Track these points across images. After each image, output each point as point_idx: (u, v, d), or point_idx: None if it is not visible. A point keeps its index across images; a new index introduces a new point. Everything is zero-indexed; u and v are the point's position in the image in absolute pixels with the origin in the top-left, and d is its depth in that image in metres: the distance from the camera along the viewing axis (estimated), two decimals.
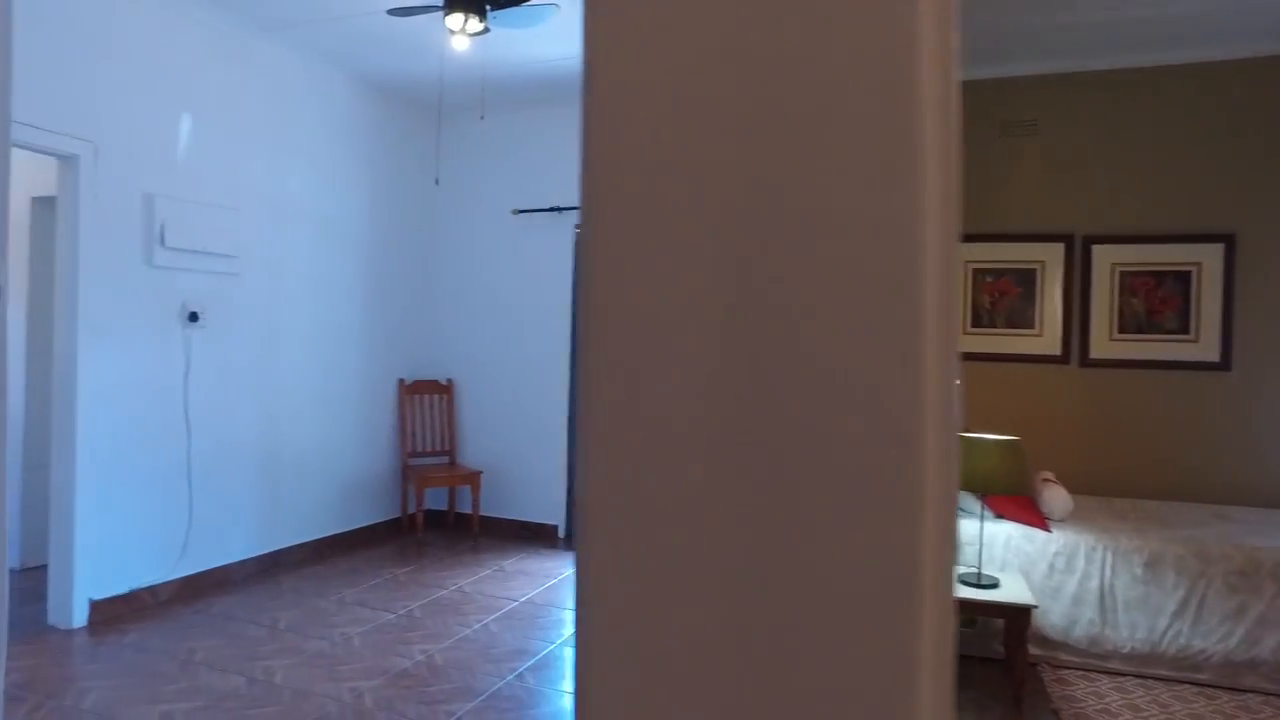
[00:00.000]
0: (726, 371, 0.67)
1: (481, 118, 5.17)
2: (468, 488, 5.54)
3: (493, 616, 3.94)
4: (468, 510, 5.66)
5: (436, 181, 5.16)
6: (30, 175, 4.38)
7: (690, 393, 0.68)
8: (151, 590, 3.96)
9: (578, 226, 5.52)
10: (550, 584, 4.53)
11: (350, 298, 5.22)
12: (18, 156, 4.56)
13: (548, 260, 5.59)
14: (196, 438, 4.15)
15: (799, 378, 0.65)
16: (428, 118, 5.81)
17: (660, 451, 0.69)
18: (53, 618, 3.71)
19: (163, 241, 3.92)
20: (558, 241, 5.56)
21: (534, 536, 5.54)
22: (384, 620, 3.84)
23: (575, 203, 5.42)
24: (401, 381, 5.65)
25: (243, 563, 4.45)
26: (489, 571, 4.75)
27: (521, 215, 5.63)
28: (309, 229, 4.87)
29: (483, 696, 3.06)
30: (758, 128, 0.66)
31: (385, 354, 5.54)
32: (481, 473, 5.48)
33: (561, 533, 5.54)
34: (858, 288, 0.63)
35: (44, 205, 4.51)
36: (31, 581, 4.12)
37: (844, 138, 0.64)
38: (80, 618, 3.68)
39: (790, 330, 0.65)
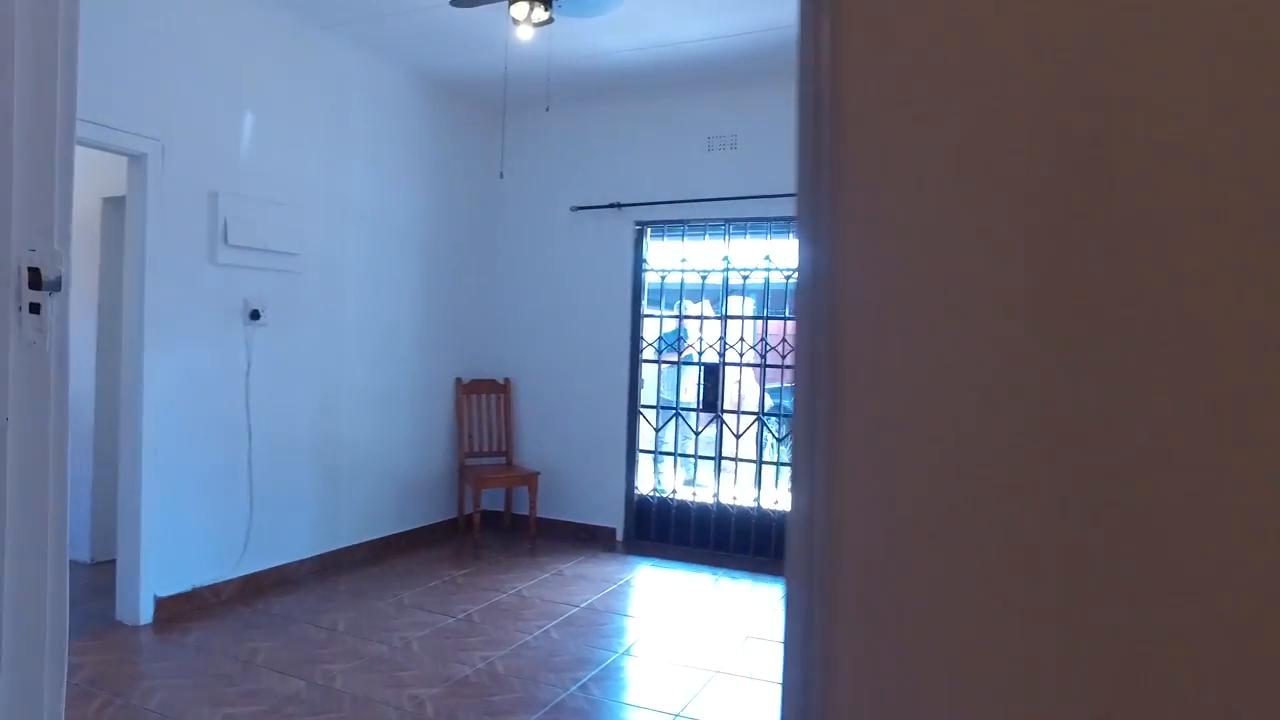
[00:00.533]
0: (1014, 376, 0.53)
1: (546, 109, 5.08)
2: (524, 489, 5.47)
3: (553, 623, 3.85)
4: (524, 512, 5.59)
5: (501, 175, 5.10)
6: (101, 176, 4.42)
7: (969, 400, 0.54)
8: (214, 588, 3.96)
9: (639, 223, 5.42)
10: (610, 589, 4.42)
11: (408, 296, 5.19)
12: (89, 157, 4.62)
13: (608, 258, 5.49)
14: (257, 436, 4.15)
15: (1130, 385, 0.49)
16: (487, 113, 5.76)
17: (935, 467, 0.55)
18: (120, 613, 3.72)
19: (226, 239, 3.92)
20: (618, 239, 5.46)
21: (591, 539, 5.45)
22: (443, 625, 3.78)
23: (637, 198, 5.32)
24: (459, 381, 5.61)
25: (301, 562, 4.44)
26: (547, 575, 4.66)
27: (581, 212, 5.54)
28: (368, 227, 4.84)
29: (546, 708, 2.96)
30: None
31: (442, 353, 5.50)
32: (539, 474, 5.41)
33: (620, 535, 5.44)
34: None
35: (114, 206, 4.55)
36: (103, 576, 4.15)
37: None
38: (146, 615, 3.68)
39: (1119, 330, 0.50)
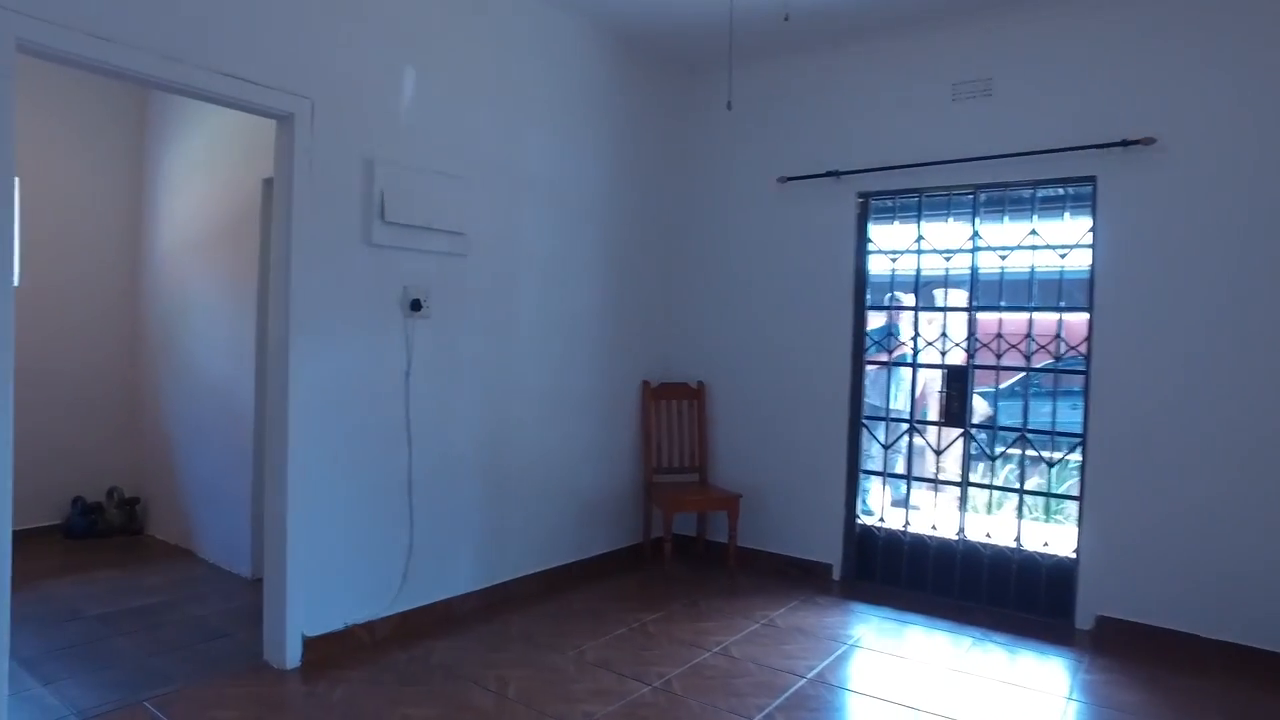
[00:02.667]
0: None
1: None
2: (723, 514, 4.60)
3: (776, 703, 2.94)
4: (722, 539, 4.73)
5: (729, 106, 4.24)
6: (260, 155, 3.99)
7: None
8: (368, 627, 3.36)
9: (863, 194, 4.41)
10: (838, 652, 3.46)
11: (589, 284, 4.45)
12: (245, 130, 4.21)
13: (823, 237, 4.52)
14: (418, 449, 3.52)
15: None
16: (676, 72, 4.95)
17: None
18: (268, 652, 3.19)
19: (383, 215, 3.30)
20: (836, 214, 4.47)
21: (803, 577, 4.50)
22: (636, 695, 2.96)
23: (860, 164, 4.33)
24: (646, 384, 4.83)
25: (466, 597, 3.78)
26: (756, 625, 3.76)
27: (791, 183, 4.60)
28: (543, 203, 4.14)
29: None
30: None
31: (627, 351, 4.73)
32: (741, 496, 4.51)
33: (837, 574, 4.45)
34: None
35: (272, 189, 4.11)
36: (259, 596, 3.69)
37: None
38: (294, 657, 3.12)
39: None
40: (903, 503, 4.44)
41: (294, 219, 3.07)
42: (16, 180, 5.06)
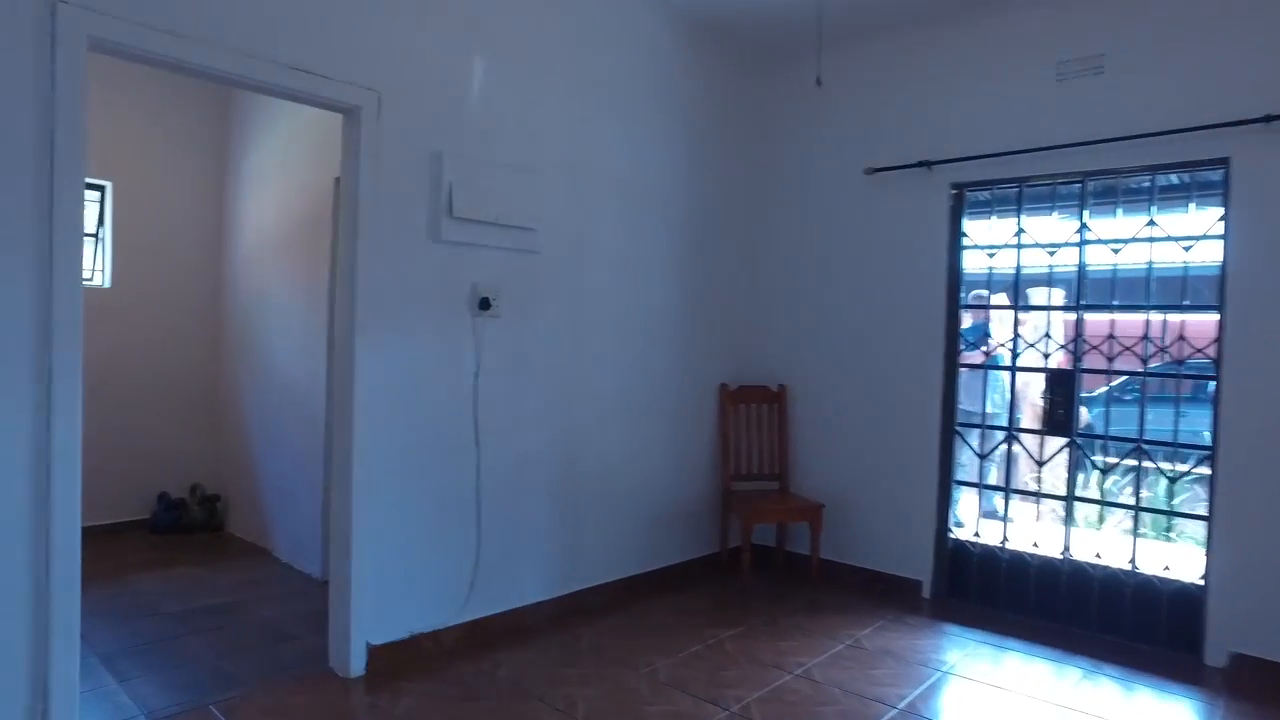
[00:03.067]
0: None
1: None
2: (805, 524, 4.35)
3: None
4: (801, 550, 4.48)
5: (818, 82, 4.01)
6: (333, 154, 3.95)
7: None
8: (434, 636, 3.26)
9: (957, 185, 4.11)
10: (931, 680, 3.19)
11: (664, 281, 4.27)
12: (318, 127, 4.19)
13: (913, 231, 4.23)
14: (487, 452, 3.40)
15: None
16: (755, 62, 4.73)
17: None
18: (333, 659, 3.12)
19: (451, 210, 3.20)
20: (927, 206, 4.18)
21: (889, 593, 4.22)
22: None
23: (954, 153, 4.03)
24: (723, 387, 4.62)
25: (537, 606, 3.65)
26: (841, 646, 3.51)
27: (878, 175, 4.32)
28: (616, 197, 3.98)
29: None
30: None
31: (705, 352, 4.53)
32: (824, 506, 4.26)
33: (927, 591, 4.16)
34: None
35: None
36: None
37: None
38: (358, 665, 3.04)
39: None
40: (997, 516, 4.11)
41: (360, 215, 2.98)
42: (109, 185, 5.23)
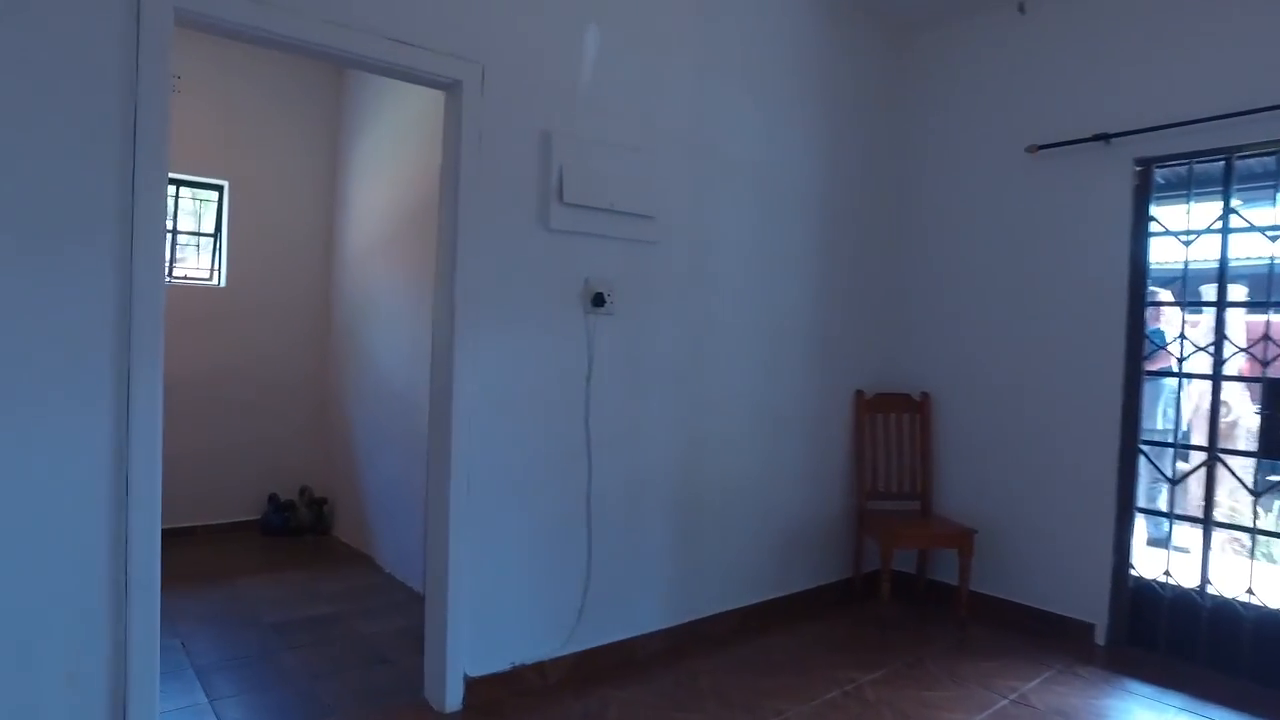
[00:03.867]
0: None
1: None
2: (952, 552, 3.81)
3: None
4: (946, 579, 3.95)
5: (1021, 9, 3.50)
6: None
7: None
8: (538, 668, 2.94)
9: (1142, 161, 3.49)
10: None
11: (794, 276, 3.83)
12: (428, 112, 3.97)
13: (1086, 217, 3.63)
14: (599, 465, 3.06)
15: None
16: (899, 32, 4.22)
17: None
18: (427, 690, 2.85)
19: (561, 196, 2.87)
20: (1105, 186, 3.57)
21: (1054, 636, 3.63)
22: None
23: (1137, 123, 3.42)
24: (859, 394, 4.13)
25: (650, 637, 3.28)
26: (1004, 701, 2.99)
27: (1044, 153, 3.74)
28: (743, 183, 3.57)
29: None
30: None
31: (838, 354, 4.06)
32: (975, 532, 3.72)
33: (1101, 637, 3.55)
34: None
35: None
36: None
37: None
38: (454, 699, 2.75)
39: None
40: (1170, 545, 3.47)
41: (461, 201, 2.69)
42: (226, 183, 5.23)
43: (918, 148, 4.25)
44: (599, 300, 2.99)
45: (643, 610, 3.26)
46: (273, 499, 4.97)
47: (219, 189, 4.99)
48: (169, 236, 4.95)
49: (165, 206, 2.14)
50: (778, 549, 3.81)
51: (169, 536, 4.89)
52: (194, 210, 5.04)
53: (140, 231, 2.08)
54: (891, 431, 4.13)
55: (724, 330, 3.51)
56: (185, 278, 5.01)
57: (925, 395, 4.14)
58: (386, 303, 4.44)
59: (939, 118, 4.17)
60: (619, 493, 3.15)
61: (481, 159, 2.72)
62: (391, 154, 4.46)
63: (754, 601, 3.70)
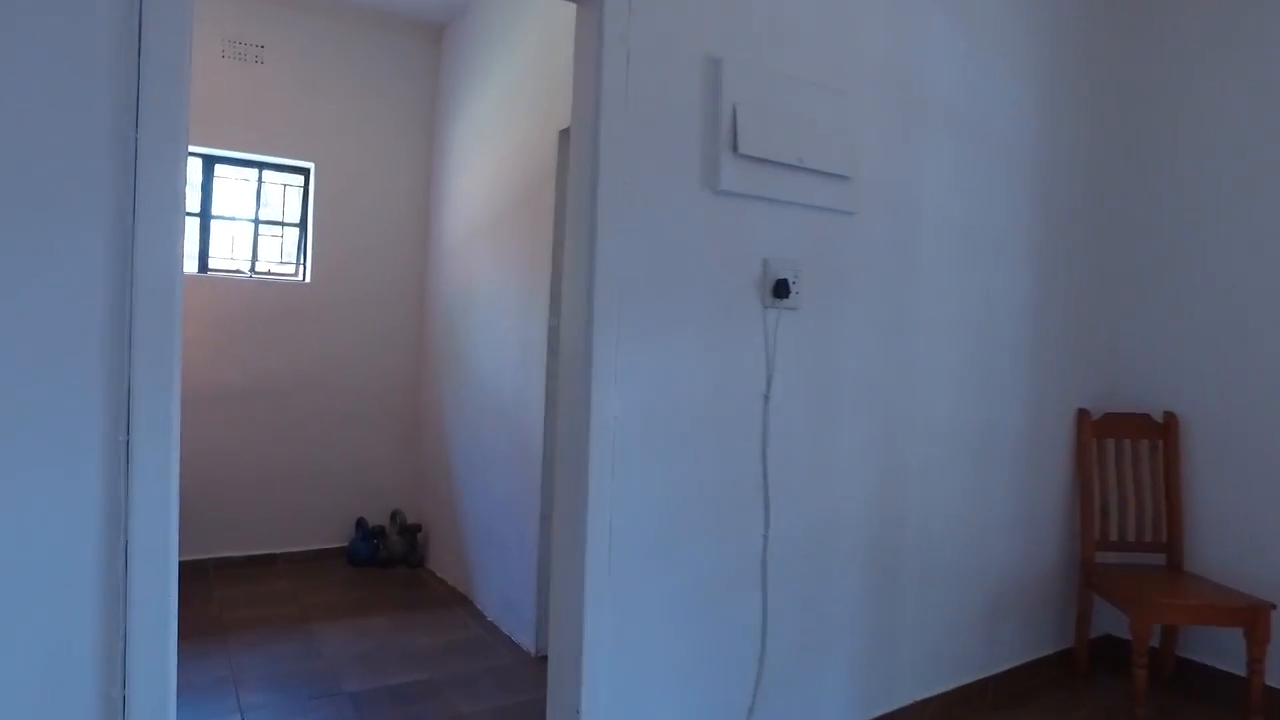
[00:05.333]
0: None
1: None
2: (1236, 631, 2.85)
3: None
4: (1210, 660, 3.00)
5: None
6: (557, 104, 3.05)
7: None
8: None
9: None
10: None
11: (1009, 260, 2.96)
12: (541, 74, 3.28)
13: None
14: (778, 512, 2.27)
15: None
16: None
17: None
18: None
19: (735, 145, 2.10)
20: None
21: None
22: None
23: None
24: (1082, 414, 3.22)
25: None
26: None
27: None
28: (950, 137, 2.73)
29: None
30: None
31: (1057, 362, 3.16)
32: (1274, 608, 2.75)
33: None
34: None
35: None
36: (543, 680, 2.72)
37: None
38: None
39: None
40: None
41: (603, 156, 1.95)
42: (312, 165, 4.67)
43: (1168, 101, 3.29)
44: (781, 290, 2.20)
45: (825, 700, 2.45)
46: (360, 525, 4.36)
47: (305, 172, 4.43)
48: (252, 226, 4.42)
49: (181, 177, 1.44)
50: (984, 612, 2.94)
51: (247, 565, 4.41)
52: (280, 198, 4.50)
53: (146, 207, 1.40)
54: (1125, 463, 3.20)
55: (924, 329, 2.67)
56: (269, 273, 4.47)
57: (1171, 416, 3.19)
58: (492, 297, 3.76)
59: (1200, 66, 3.21)
60: (800, 544, 2.35)
61: (629, 93, 1.98)
62: (496, 119, 3.79)
63: (958, 684, 2.84)
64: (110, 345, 1.35)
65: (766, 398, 2.22)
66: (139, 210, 1.38)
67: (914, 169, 2.60)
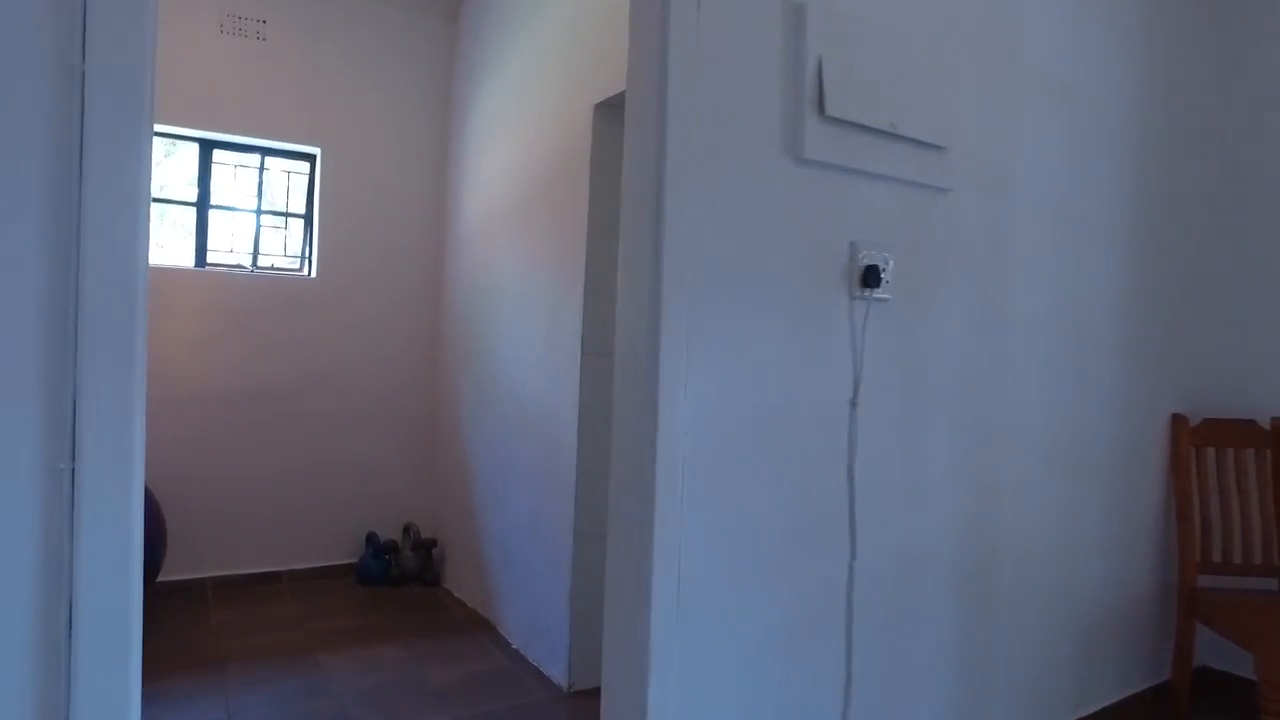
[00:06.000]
0: None
1: None
2: None
3: None
4: None
5: None
6: (590, 76, 2.74)
7: None
8: None
9: None
10: None
11: (1108, 245, 2.62)
12: (572, 46, 2.92)
13: None
14: (865, 538, 1.94)
15: None
16: None
17: None
18: None
19: (822, 107, 1.77)
20: None
21: None
22: None
23: None
24: (1178, 420, 2.89)
25: None
26: None
27: None
28: (1045, 106, 2.39)
29: None
30: None
31: (1149, 362, 2.83)
32: None
33: None
34: None
35: (608, 116, 2.80)
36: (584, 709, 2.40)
37: None
38: None
39: None
40: None
41: (670, 118, 1.62)
42: (318, 151, 4.35)
43: (1276, 75, 2.96)
44: (872, 277, 1.87)
45: None
46: (371, 539, 4.04)
47: (310, 158, 4.11)
48: (254, 217, 4.10)
49: (144, 161, 1.11)
50: (1077, 643, 2.61)
51: (248, 584, 4.12)
52: (284, 186, 4.18)
53: (93, 194, 1.07)
54: (1228, 474, 2.86)
55: (1018, 324, 2.34)
56: (272, 267, 4.15)
57: (1279, 423, 2.85)
58: (517, 290, 3.44)
59: None
60: (887, 574, 2.02)
61: (700, 43, 1.65)
62: (527, 98, 3.46)
63: None
64: (45, 354, 1.03)
65: (854, 404, 1.88)
66: (85, 186, 1.06)
67: (1009, 142, 2.26)
